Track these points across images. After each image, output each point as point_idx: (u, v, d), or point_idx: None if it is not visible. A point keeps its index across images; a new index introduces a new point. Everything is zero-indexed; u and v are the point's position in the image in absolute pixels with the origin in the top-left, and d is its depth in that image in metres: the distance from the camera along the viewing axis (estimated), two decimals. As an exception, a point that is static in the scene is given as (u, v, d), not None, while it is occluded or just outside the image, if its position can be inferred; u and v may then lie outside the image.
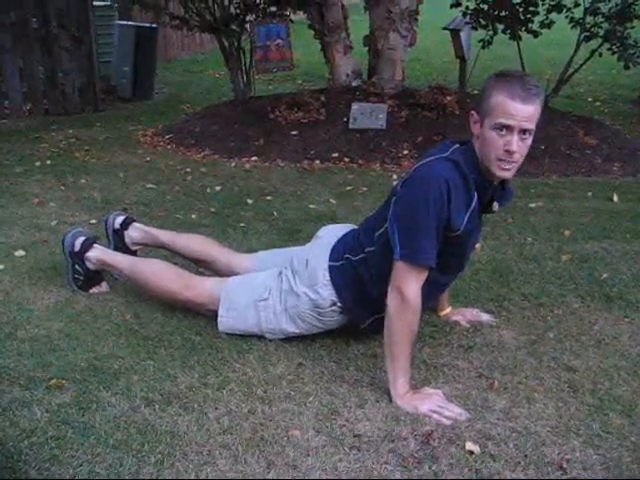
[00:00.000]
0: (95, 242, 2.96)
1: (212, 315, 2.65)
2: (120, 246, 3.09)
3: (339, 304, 2.48)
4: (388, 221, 2.31)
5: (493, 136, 2.18)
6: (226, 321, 2.61)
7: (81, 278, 2.96)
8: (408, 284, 2.22)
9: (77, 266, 2.94)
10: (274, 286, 2.58)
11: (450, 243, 2.28)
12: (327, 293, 2.47)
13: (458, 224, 2.25)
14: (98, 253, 2.93)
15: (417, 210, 2.21)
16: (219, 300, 2.63)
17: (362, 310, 2.49)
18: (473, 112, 2.27)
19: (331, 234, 2.65)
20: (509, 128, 2.16)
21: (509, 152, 2.18)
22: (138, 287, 2.91)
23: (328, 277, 2.47)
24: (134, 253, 3.12)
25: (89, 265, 2.93)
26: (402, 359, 2.24)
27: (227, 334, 2.61)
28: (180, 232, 3.24)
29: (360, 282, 2.44)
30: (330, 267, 2.49)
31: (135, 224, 3.13)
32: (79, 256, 2.92)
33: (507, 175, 2.27)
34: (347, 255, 2.48)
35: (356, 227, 2.65)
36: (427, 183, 2.21)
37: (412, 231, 2.22)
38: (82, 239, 2.93)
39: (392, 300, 2.24)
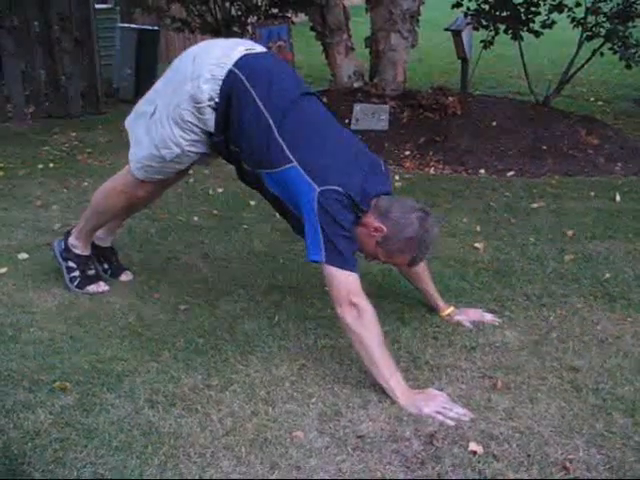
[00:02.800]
0: (70, 231, 3.07)
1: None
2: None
3: (217, 99, 2.46)
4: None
5: (373, 253, 2.44)
6: (132, 156, 2.74)
7: (76, 274, 3.00)
8: (356, 293, 2.27)
9: (70, 262, 3.01)
10: (158, 99, 2.63)
11: None
12: (208, 87, 2.46)
13: None
14: (74, 231, 3.04)
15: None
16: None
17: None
18: (384, 229, 2.36)
19: (230, 41, 2.66)
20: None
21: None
22: (106, 221, 3.02)
23: (219, 75, 2.45)
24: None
25: (76, 251, 3.01)
26: (384, 362, 2.25)
27: (232, 335, 2.62)
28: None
29: (238, 119, 2.45)
30: (232, 72, 2.45)
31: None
32: (66, 249, 3.02)
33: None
34: (262, 106, 2.41)
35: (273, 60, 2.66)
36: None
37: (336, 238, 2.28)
38: (63, 236, 3.07)
39: (347, 317, 2.26)
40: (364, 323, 2.25)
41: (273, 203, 2.63)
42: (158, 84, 2.73)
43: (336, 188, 2.29)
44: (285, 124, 2.40)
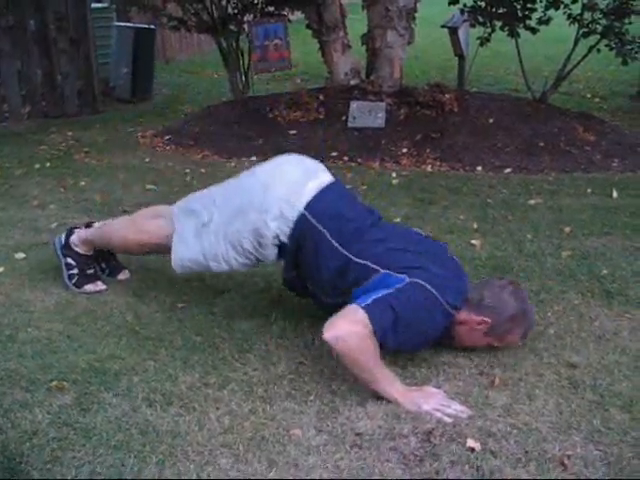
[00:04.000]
0: (75, 229, 3.06)
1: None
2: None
3: (282, 238, 2.46)
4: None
5: (481, 343, 2.46)
6: (175, 250, 2.65)
7: (75, 272, 2.99)
8: (357, 330, 2.18)
9: (69, 259, 3.00)
10: (216, 211, 2.58)
11: None
12: (275, 225, 2.45)
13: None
14: (78, 235, 3.02)
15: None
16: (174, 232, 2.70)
17: (294, 271, 2.52)
18: (486, 320, 2.38)
19: (302, 170, 2.61)
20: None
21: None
22: (112, 249, 3.05)
23: (290, 217, 2.43)
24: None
25: (78, 250, 3.00)
26: (375, 367, 2.22)
27: (229, 333, 2.62)
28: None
29: (314, 258, 2.43)
30: (304, 217, 2.44)
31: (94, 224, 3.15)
32: (67, 246, 3.01)
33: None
34: (333, 241, 2.41)
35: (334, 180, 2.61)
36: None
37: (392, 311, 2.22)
38: (65, 233, 3.05)
39: (341, 340, 2.16)
40: (353, 346, 2.17)
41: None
42: (218, 191, 2.68)
43: (426, 285, 2.28)
44: (363, 250, 2.39)
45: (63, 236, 3.04)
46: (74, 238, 3.01)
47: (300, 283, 2.56)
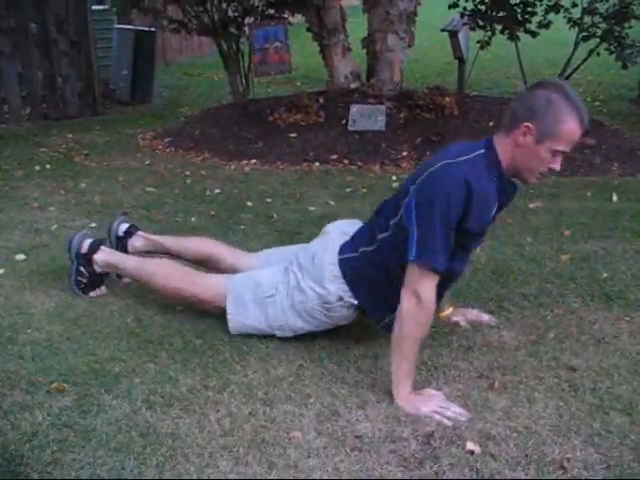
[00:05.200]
0: (102, 244, 2.98)
1: (219, 312, 2.66)
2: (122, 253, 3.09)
3: (346, 299, 2.47)
4: (404, 212, 2.27)
5: (547, 156, 2.18)
6: (235, 318, 2.61)
7: (84, 281, 2.96)
8: (424, 287, 2.20)
9: (82, 268, 2.95)
10: (280, 282, 2.58)
11: (458, 244, 2.26)
12: (334, 288, 2.46)
13: (472, 229, 2.24)
14: (105, 256, 2.94)
15: (436, 212, 2.16)
16: (224, 296, 2.63)
17: (377, 307, 2.48)
18: (529, 125, 2.14)
19: (338, 230, 2.66)
20: (564, 152, 2.20)
21: (551, 169, 2.24)
22: (145, 286, 2.90)
23: (336, 272, 2.47)
24: None
25: (96, 268, 2.95)
26: (410, 362, 2.24)
27: (230, 335, 2.62)
28: (182, 237, 3.22)
29: (375, 277, 2.43)
30: (341, 261, 2.48)
31: (139, 232, 3.14)
32: (86, 258, 2.94)
33: (536, 182, 2.33)
34: (362, 249, 2.46)
35: (362, 223, 2.65)
36: (450, 184, 2.16)
37: (429, 234, 2.18)
38: (90, 241, 2.96)
39: (407, 302, 2.21)
40: (418, 315, 2.20)
41: None
42: (277, 262, 2.70)
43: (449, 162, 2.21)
44: (380, 224, 2.44)
45: (86, 245, 2.93)
46: (99, 258, 2.93)
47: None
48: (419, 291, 2.20)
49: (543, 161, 2.20)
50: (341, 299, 2.47)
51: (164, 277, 2.78)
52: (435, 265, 2.19)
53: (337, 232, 2.65)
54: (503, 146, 2.24)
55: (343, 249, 2.52)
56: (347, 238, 2.58)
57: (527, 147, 2.18)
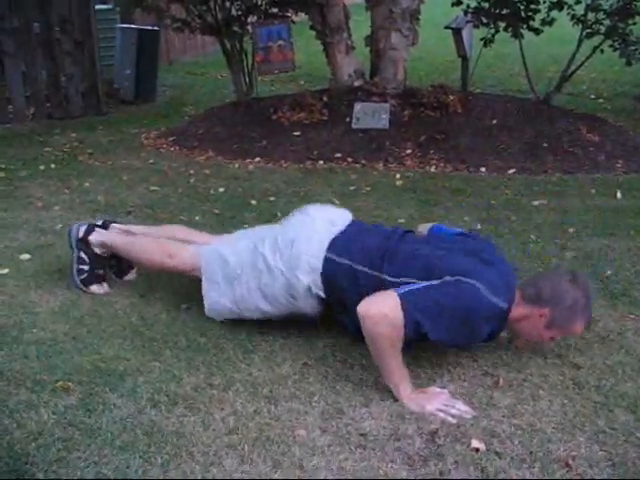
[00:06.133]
0: (96, 227, 3.06)
1: (199, 280, 2.73)
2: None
3: (314, 290, 2.47)
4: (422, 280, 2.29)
5: (547, 337, 2.39)
6: (208, 295, 2.68)
7: (85, 268, 2.99)
8: (389, 307, 2.18)
9: (82, 253, 3.00)
10: (247, 262, 2.60)
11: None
12: (307, 279, 2.47)
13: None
14: (99, 236, 3.02)
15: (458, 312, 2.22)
16: (200, 267, 2.72)
17: (342, 311, 2.51)
18: (546, 312, 2.31)
19: (323, 218, 2.64)
20: None
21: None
22: (135, 263, 3.09)
23: (317, 266, 2.46)
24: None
25: (94, 249, 3.00)
26: (396, 368, 2.23)
27: (234, 333, 2.62)
28: (154, 225, 3.31)
29: (350, 294, 2.41)
30: (329, 260, 2.47)
31: (113, 225, 3.15)
32: (84, 240, 3.00)
33: (521, 346, 2.54)
34: (361, 268, 2.42)
35: (354, 219, 2.65)
36: (473, 306, 2.24)
37: (433, 303, 2.20)
38: (85, 226, 3.04)
39: (370, 320, 2.19)
40: (385, 327, 2.18)
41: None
42: (247, 241, 2.69)
43: (472, 282, 2.23)
44: (395, 267, 2.38)
45: (83, 229, 3.01)
46: (94, 239, 3.00)
47: (351, 321, 2.47)
48: (384, 311, 2.18)
49: (541, 339, 2.41)
50: (309, 289, 2.47)
51: (144, 252, 2.92)
52: (411, 312, 2.17)
53: (323, 221, 2.62)
54: (518, 310, 2.34)
55: (338, 249, 2.48)
56: (335, 230, 2.55)
57: (536, 325, 2.34)
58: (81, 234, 3.01)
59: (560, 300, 2.31)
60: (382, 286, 2.33)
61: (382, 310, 2.18)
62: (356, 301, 2.28)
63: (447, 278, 2.26)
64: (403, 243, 2.50)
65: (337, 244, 2.51)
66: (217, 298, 2.66)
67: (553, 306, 2.30)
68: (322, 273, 2.46)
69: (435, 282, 2.25)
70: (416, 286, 2.24)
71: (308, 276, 2.47)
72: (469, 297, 2.22)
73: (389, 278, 2.36)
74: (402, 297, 2.18)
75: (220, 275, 2.65)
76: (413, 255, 2.41)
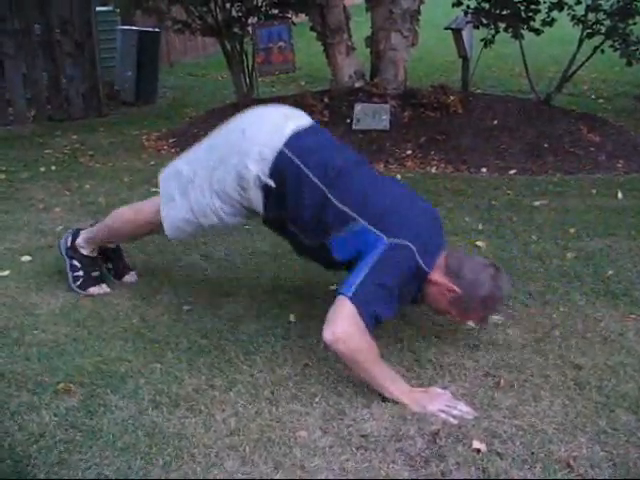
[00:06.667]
0: (80, 230, 3.06)
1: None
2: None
3: (263, 178, 2.44)
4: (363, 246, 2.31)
5: (444, 309, 2.44)
6: (167, 215, 2.67)
7: (80, 274, 3.00)
8: (348, 321, 2.19)
9: (74, 261, 3.01)
10: (201, 165, 2.60)
11: None
12: (256, 169, 2.44)
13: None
14: (83, 235, 3.02)
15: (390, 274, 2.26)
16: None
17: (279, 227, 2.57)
18: (456, 290, 2.34)
19: (280, 112, 2.63)
20: None
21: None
22: (117, 240, 3.09)
23: (268, 156, 2.43)
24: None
25: (83, 251, 3.01)
26: (381, 376, 2.23)
27: (235, 335, 2.62)
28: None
29: (292, 200, 2.42)
30: (282, 153, 2.43)
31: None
32: (72, 247, 3.01)
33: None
34: (312, 176, 2.40)
35: (314, 125, 2.63)
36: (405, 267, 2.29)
37: (378, 287, 2.23)
38: (71, 235, 3.05)
39: (341, 343, 2.18)
40: (352, 347, 2.19)
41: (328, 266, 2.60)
42: (201, 147, 2.70)
43: (407, 243, 2.27)
44: (343, 192, 2.38)
45: (69, 237, 3.04)
46: (80, 240, 3.02)
47: (281, 224, 2.55)
48: (345, 338, 2.19)
49: (439, 309, 2.47)
50: (258, 178, 2.45)
51: (117, 220, 2.94)
52: (367, 309, 2.21)
53: (277, 111, 2.63)
54: (435, 275, 2.36)
55: (296, 149, 2.44)
56: (291, 125, 2.51)
57: (443, 296, 2.38)
58: (69, 243, 3.03)
59: (474, 288, 2.34)
60: (322, 205, 2.36)
61: (344, 328, 2.18)
62: (294, 208, 2.40)
63: (383, 245, 2.26)
64: (359, 174, 2.49)
65: (295, 143, 2.47)
66: (174, 214, 2.65)
67: (465, 290, 2.33)
68: (273, 165, 2.43)
69: (371, 259, 2.25)
70: (357, 278, 2.23)
71: (257, 165, 2.44)
72: (405, 263, 2.28)
73: (333, 200, 2.37)
74: (353, 300, 2.19)
75: (175, 188, 2.64)
76: (363, 190, 2.41)
